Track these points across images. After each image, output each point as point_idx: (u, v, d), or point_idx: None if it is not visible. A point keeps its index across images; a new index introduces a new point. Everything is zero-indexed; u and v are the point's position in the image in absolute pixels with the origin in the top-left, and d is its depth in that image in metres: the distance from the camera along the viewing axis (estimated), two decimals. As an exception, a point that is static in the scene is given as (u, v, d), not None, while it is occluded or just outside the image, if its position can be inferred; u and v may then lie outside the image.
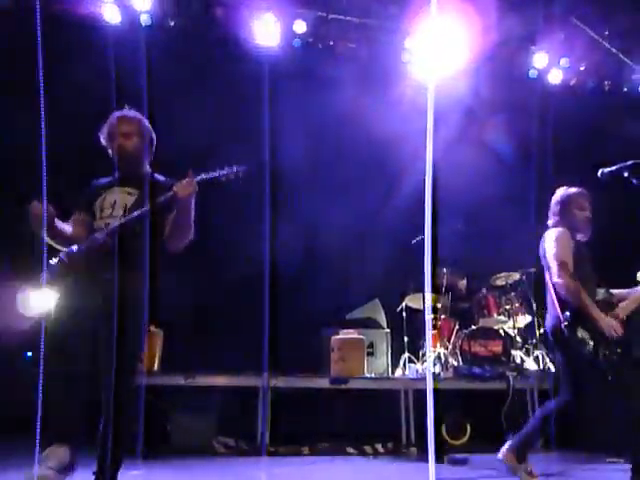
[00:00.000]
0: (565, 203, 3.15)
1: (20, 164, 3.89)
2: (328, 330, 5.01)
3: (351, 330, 4.96)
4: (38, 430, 2.18)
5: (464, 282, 5.72)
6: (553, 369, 5.01)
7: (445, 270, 5.46)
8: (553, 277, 2.95)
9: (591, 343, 2.83)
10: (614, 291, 3.10)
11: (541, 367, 5.08)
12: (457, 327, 5.36)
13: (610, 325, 2.84)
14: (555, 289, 2.98)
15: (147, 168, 2.66)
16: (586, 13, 5.83)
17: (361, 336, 4.88)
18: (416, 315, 5.46)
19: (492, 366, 4.83)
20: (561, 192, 3.23)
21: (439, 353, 5.11)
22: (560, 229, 3.05)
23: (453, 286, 5.67)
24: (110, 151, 2.60)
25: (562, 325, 2.90)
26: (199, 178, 2.51)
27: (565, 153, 6.02)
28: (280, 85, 5.46)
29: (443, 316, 5.40)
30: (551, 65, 6.19)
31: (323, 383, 4.51)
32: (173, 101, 5.35)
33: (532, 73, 6.21)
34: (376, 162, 6.00)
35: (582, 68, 6.31)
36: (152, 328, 4.45)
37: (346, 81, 5.86)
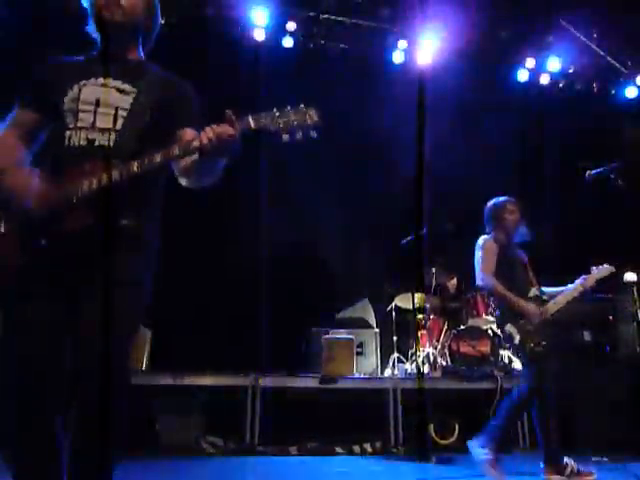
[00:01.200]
0: (494, 211, 3.48)
1: None
2: (317, 330, 5.01)
3: (340, 330, 4.97)
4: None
5: (454, 282, 5.75)
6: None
7: (434, 270, 5.49)
8: (477, 281, 3.29)
9: (517, 337, 3.09)
10: (547, 289, 3.38)
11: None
12: (446, 327, 5.38)
13: (533, 312, 3.10)
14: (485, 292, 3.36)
15: (143, 55, 1.84)
16: (574, 15, 5.88)
17: (350, 336, 4.89)
18: (405, 315, 5.47)
19: (480, 366, 4.85)
20: (491, 202, 3.58)
21: (428, 353, 5.13)
22: (484, 237, 3.39)
23: (442, 286, 5.70)
24: (93, 14, 1.69)
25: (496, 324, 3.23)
26: (244, 127, 1.55)
27: (553, 154, 6.08)
28: (271, 84, 5.46)
29: (432, 316, 5.42)
30: (539, 67, 6.24)
31: (312, 383, 4.51)
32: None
33: (520, 75, 6.25)
34: (366, 162, 6.01)
35: (571, 71, 6.37)
36: (140, 327, 4.42)
37: (337, 81, 5.87)
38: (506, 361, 5.12)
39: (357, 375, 4.78)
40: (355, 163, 5.97)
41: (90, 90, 1.62)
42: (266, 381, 4.35)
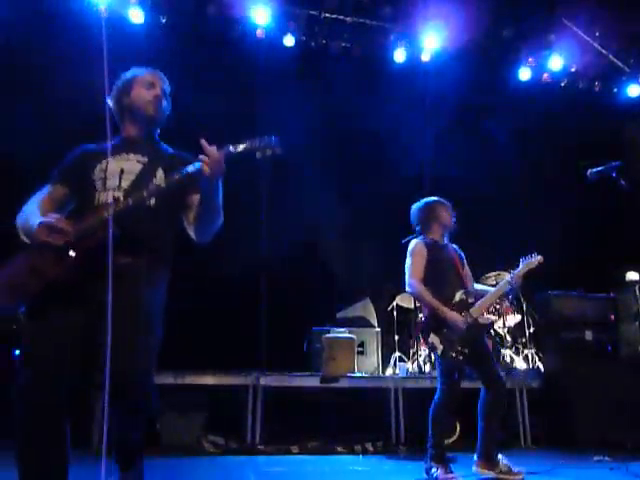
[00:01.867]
0: (424, 212, 3.45)
1: None
2: (319, 329, 5.01)
3: (342, 329, 4.97)
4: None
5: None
6: (542, 368, 5.05)
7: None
8: (406, 287, 3.27)
9: (440, 347, 3.08)
10: (478, 286, 3.40)
11: (531, 366, 5.11)
12: (447, 326, 5.38)
13: (455, 319, 3.07)
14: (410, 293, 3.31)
15: (156, 135, 2.26)
16: (577, 14, 5.87)
17: (352, 335, 4.89)
18: (407, 314, 5.47)
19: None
20: (420, 203, 3.53)
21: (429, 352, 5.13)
22: (415, 241, 3.37)
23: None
24: (122, 108, 2.15)
25: (419, 333, 3.20)
26: (228, 151, 2.01)
27: (554, 153, 6.07)
28: (273, 83, 5.46)
29: (433, 315, 5.41)
30: (541, 66, 6.23)
31: (313, 382, 4.51)
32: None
33: (522, 74, 6.24)
34: (368, 160, 6.01)
35: (573, 69, 6.35)
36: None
37: (338, 80, 5.87)
38: (507, 360, 5.12)
39: (358, 374, 4.78)
40: (356, 162, 5.97)
41: (116, 163, 2.03)
42: (267, 380, 4.35)
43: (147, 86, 2.17)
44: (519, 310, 5.37)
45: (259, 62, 5.52)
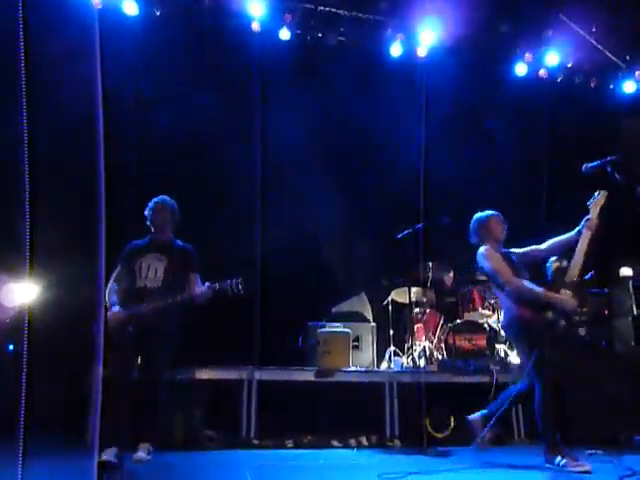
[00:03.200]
0: (480, 227, 3.63)
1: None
2: (314, 323, 5.01)
3: (337, 324, 4.97)
4: (21, 429, 2.19)
5: (450, 276, 5.76)
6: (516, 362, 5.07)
7: (431, 264, 5.49)
8: (505, 286, 3.32)
9: (560, 321, 3.15)
10: (551, 242, 3.48)
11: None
12: (442, 321, 5.40)
13: (568, 300, 3.15)
14: (508, 295, 3.34)
15: (171, 235, 3.72)
16: (573, 10, 5.86)
17: (347, 330, 4.89)
18: (402, 309, 5.48)
19: (476, 360, 4.87)
20: (475, 219, 3.70)
21: (424, 347, 5.14)
22: (482, 247, 3.49)
23: (439, 280, 5.71)
24: (149, 223, 3.64)
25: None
26: (213, 287, 3.48)
27: (551, 149, 6.08)
28: (269, 77, 5.43)
29: (428, 310, 5.43)
30: (538, 62, 6.22)
31: (308, 376, 4.52)
32: (161, 91, 5.30)
33: (518, 69, 6.23)
34: (364, 155, 6.00)
35: (569, 65, 6.35)
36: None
37: (334, 74, 5.85)
38: (502, 355, 5.14)
39: (353, 368, 4.78)
40: (352, 157, 5.96)
41: (147, 260, 3.58)
42: (263, 374, 4.35)
43: (157, 212, 3.69)
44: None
45: (254, 55, 5.49)
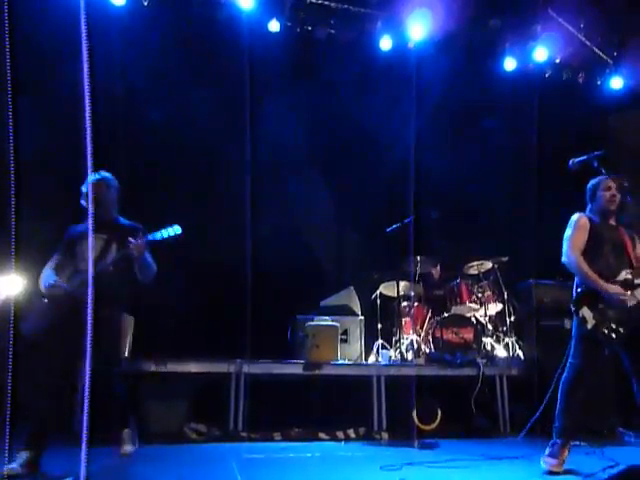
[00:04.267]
0: (590, 189, 3.26)
1: None
2: (302, 317, 5.01)
3: (325, 317, 4.98)
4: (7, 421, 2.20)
5: (437, 270, 5.79)
6: (522, 356, 5.13)
7: (419, 258, 5.51)
8: (563, 257, 3.13)
9: (592, 321, 2.96)
10: None
11: (511, 354, 5.18)
12: (430, 314, 5.43)
13: (616, 292, 2.94)
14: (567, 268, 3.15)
15: (115, 214, 3.39)
16: (562, 5, 5.88)
17: (335, 323, 4.90)
18: (390, 302, 5.50)
19: (463, 353, 4.91)
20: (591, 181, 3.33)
21: (412, 340, 5.17)
22: (577, 214, 3.23)
23: (427, 274, 5.74)
24: (85, 202, 3.22)
25: (570, 304, 3.08)
26: (148, 238, 3.20)
27: (539, 143, 6.11)
28: (258, 68, 5.39)
29: (416, 303, 5.45)
30: (526, 57, 6.25)
31: (296, 369, 4.52)
32: (149, 84, 5.24)
33: (507, 64, 6.25)
34: (353, 149, 5.99)
35: (557, 61, 6.38)
36: (123, 314, 4.38)
37: (324, 66, 5.82)
38: (488, 348, 5.18)
39: (341, 361, 4.80)
40: (341, 150, 5.94)
41: (86, 240, 3.09)
42: (250, 368, 4.35)
43: (93, 191, 3.24)
44: (500, 299, 5.43)
45: (243, 47, 5.44)
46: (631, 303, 2.96)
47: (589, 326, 2.97)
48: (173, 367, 4.21)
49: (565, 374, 3.09)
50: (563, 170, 3.37)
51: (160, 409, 4.21)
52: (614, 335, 2.92)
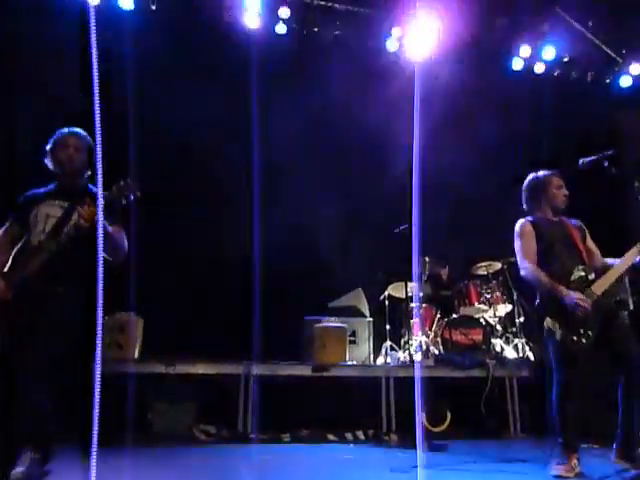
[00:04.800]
0: (537, 185, 3.21)
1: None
2: (310, 318, 5.01)
3: (333, 318, 4.98)
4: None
5: (446, 271, 5.76)
6: (532, 357, 5.09)
7: (427, 259, 5.49)
8: (520, 271, 3.06)
9: (559, 332, 2.84)
10: (609, 260, 3.09)
11: (520, 355, 5.15)
12: (438, 315, 5.41)
13: (574, 299, 2.80)
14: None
15: (85, 181, 2.83)
16: (571, 4, 5.85)
17: (343, 324, 4.90)
18: (398, 304, 5.48)
19: (472, 354, 4.88)
20: (530, 177, 3.28)
21: (420, 341, 5.15)
22: (521, 221, 3.17)
23: (435, 275, 5.71)
24: (51, 163, 2.76)
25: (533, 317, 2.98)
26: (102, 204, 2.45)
27: (548, 143, 6.07)
28: (264, 71, 5.40)
29: (425, 304, 5.43)
30: (534, 56, 6.21)
31: (305, 371, 4.52)
32: (157, 86, 5.27)
33: (515, 64, 6.22)
34: (361, 150, 5.98)
35: (566, 59, 6.34)
36: (132, 315, 4.41)
37: (331, 68, 5.82)
38: (498, 349, 5.15)
39: (350, 363, 4.79)
40: (349, 151, 5.94)
41: (47, 209, 2.66)
42: (259, 369, 4.35)
43: (63, 148, 2.75)
44: (509, 300, 5.40)
45: (251, 50, 5.46)
46: (589, 305, 2.80)
47: (557, 337, 2.83)
48: (182, 368, 4.23)
49: (553, 390, 2.94)
50: (573, 169, 3.35)
51: (169, 410, 4.23)
52: (584, 340, 2.80)
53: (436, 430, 4.41)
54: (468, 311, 5.32)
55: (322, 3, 5.70)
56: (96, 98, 2.08)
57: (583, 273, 2.94)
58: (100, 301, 1.88)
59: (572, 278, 2.92)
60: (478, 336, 5.07)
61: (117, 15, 5.24)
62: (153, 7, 5.42)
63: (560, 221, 3.18)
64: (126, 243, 2.76)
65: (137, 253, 4.92)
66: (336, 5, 5.73)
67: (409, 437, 4.21)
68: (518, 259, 3.08)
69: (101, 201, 2.33)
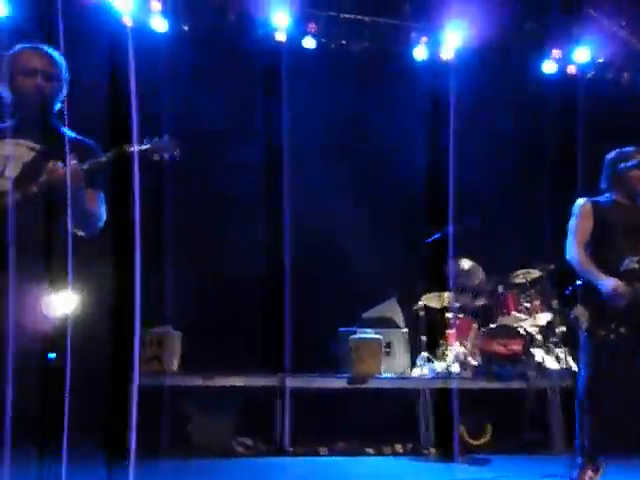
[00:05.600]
0: (615, 165, 2.93)
1: None
2: (345, 329, 5.00)
3: (368, 330, 4.94)
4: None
5: (482, 279, 5.65)
6: (575, 367, 4.93)
7: (462, 268, 5.40)
8: (566, 253, 2.86)
9: (587, 322, 2.62)
10: None
11: (562, 366, 4.99)
12: (475, 326, 5.30)
13: (610, 287, 2.55)
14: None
15: (56, 119, 2.14)
16: (602, 4, 5.73)
17: (378, 336, 4.86)
18: (434, 314, 5.41)
19: (512, 365, 4.76)
20: (613, 153, 2.99)
21: (457, 352, 5.06)
22: (580, 200, 2.93)
23: (471, 284, 5.61)
24: (9, 90, 2.05)
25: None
26: (87, 165, 1.93)
27: (582, 147, 5.93)
28: (293, 86, 5.48)
29: (461, 315, 5.34)
30: (567, 57, 6.09)
31: (341, 383, 4.50)
32: (187, 102, 5.40)
33: (547, 67, 6.11)
34: (392, 158, 5.97)
35: (600, 60, 6.20)
36: (170, 329, 4.50)
37: (359, 80, 5.86)
38: (538, 360, 5.01)
39: (386, 375, 4.75)
40: (380, 160, 5.93)
41: (3, 148, 1.98)
42: (295, 382, 4.36)
43: (27, 74, 2.01)
44: (549, 308, 5.25)
45: (280, 64, 5.55)
46: (628, 299, 2.53)
47: (584, 327, 2.61)
48: (220, 381, 4.27)
49: (579, 389, 2.76)
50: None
51: (208, 423, 4.27)
52: (613, 336, 2.53)
53: (476, 444, 4.31)
54: (506, 321, 5.19)
55: (349, 16, 5.75)
56: (135, 118, 2.09)
57: (637, 265, 2.61)
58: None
59: (623, 268, 2.63)
60: (517, 346, 4.93)
61: (152, 38, 5.41)
62: (185, 28, 5.58)
63: (632, 206, 2.86)
64: (103, 211, 2.11)
65: (174, 267, 5.06)
66: (363, 17, 5.77)
67: (448, 451, 4.13)
68: (567, 240, 2.85)
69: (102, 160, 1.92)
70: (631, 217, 2.82)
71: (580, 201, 2.93)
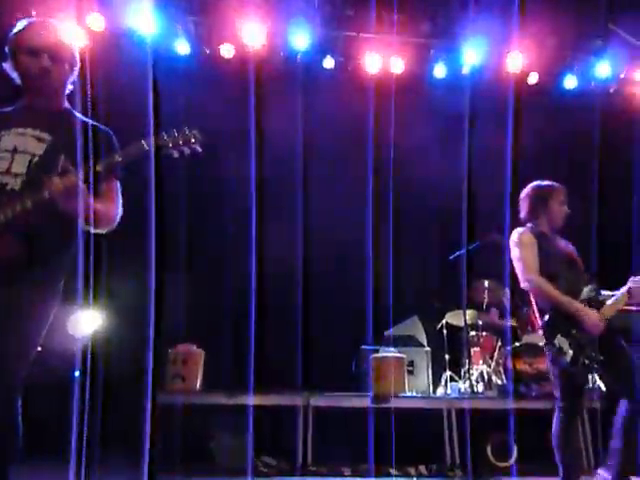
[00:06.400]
0: (538, 197, 3.01)
1: None
2: (367, 348, 4.97)
3: (390, 348, 4.91)
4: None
5: (507, 297, 5.58)
6: (603, 387, 4.81)
7: (487, 284, 5.35)
8: (521, 282, 2.85)
9: (570, 352, 2.63)
10: (604, 292, 2.87)
11: (590, 385, 4.87)
12: (500, 344, 5.23)
13: (594, 318, 2.62)
14: (529, 294, 2.88)
15: (67, 104, 1.96)
16: (621, 18, 5.71)
17: (401, 354, 4.82)
18: (457, 332, 5.35)
19: (538, 384, 4.67)
20: (532, 186, 3.10)
21: (482, 371, 4.99)
22: (520, 229, 2.95)
23: (494, 302, 5.54)
24: (16, 72, 1.86)
25: (540, 332, 2.77)
26: (101, 166, 1.75)
27: (607, 159, 5.86)
28: (313, 104, 5.55)
29: (485, 333, 5.27)
30: (587, 74, 6.07)
31: (364, 402, 4.46)
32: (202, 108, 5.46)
33: (568, 82, 6.09)
34: (411, 176, 5.97)
35: (622, 75, 6.16)
36: (194, 348, 4.53)
37: (379, 98, 5.91)
38: (566, 379, 4.90)
39: (409, 394, 4.69)
40: (402, 178, 5.94)
41: (9, 139, 1.79)
42: (318, 400, 4.34)
43: (31, 55, 1.81)
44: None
45: (300, 86, 5.64)
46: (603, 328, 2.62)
47: (568, 358, 2.61)
48: (242, 399, 4.27)
49: (554, 421, 2.78)
50: (634, 185, 3.21)
51: (230, 441, 4.27)
52: (595, 365, 2.61)
53: (502, 465, 4.22)
54: (532, 339, 5.11)
55: (367, 35, 5.82)
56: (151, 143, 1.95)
57: (593, 293, 2.73)
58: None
59: (582, 297, 2.72)
60: (543, 365, 4.84)
61: (174, 61, 5.54)
62: (207, 51, 5.71)
63: (557, 237, 2.99)
64: (119, 204, 1.93)
65: (195, 287, 5.11)
66: (382, 36, 5.83)
67: (474, 472, 4.05)
68: (519, 270, 2.84)
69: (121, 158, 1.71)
70: (563, 247, 2.93)
71: (520, 230, 2.94)
